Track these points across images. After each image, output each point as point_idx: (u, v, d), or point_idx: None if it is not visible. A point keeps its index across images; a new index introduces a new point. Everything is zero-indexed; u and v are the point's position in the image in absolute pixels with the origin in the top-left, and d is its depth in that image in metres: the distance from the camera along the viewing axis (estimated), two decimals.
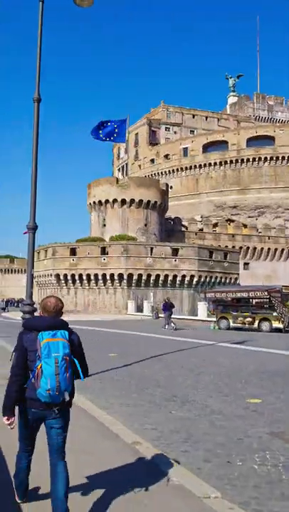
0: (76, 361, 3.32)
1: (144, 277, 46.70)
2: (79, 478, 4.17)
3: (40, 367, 3.12)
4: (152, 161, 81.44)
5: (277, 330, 24.30)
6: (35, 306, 10.27)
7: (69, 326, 3.41)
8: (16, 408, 3.37)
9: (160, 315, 38.84)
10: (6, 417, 3.34)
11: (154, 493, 3.92)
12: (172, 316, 26.42)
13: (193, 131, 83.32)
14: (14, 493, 3.63)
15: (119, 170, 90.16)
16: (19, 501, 3.60)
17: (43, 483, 3.78)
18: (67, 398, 3.25)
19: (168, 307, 26.38)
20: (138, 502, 3.74)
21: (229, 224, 67.28)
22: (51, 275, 49.49)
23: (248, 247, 64.77)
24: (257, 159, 71.68)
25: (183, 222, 65.37)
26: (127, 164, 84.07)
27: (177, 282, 47.71)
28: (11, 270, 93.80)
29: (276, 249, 65.55)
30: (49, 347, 3.17)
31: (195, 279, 48.13)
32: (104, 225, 53.95)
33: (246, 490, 4.26)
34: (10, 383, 3.33)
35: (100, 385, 9.27)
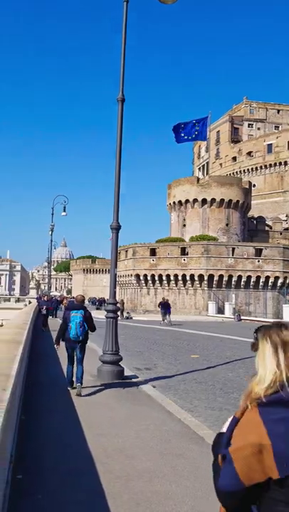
0: (88, 325, 7.99)
1: (225, 278, 45.69)
2: (169, 482, 4.02)
3: (70, 325, 7.78)
4: (234, 158, 79.44)
5: None
6: (118, 305, 10.46)
7: (85, 306, 8.22)
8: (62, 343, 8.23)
9: (242, 317, 37.87)
10: (56, 345, 8.36)
11: None
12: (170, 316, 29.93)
13: (277, 127, 79.88)
14: (67, 383, 8.30)
15: (199, 169, 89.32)
16: (69, 388, 8.10)
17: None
18: (81, 339, 7.82)
19: (164, 306, 29.96)
20: None
21: None
22: (131, 275, 50.27)
23: None
24: None
25: (267, 222, 63.02)
26: (207, 163, 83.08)
27: (260, 284, 46.09)
28: (93, 270, 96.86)
29: None
30: (74, 317, 7.81)
31: (280, 281, 46.20)
32: (184, 225, 53.66)
33: None
34: (58, 331, 8.21)
35: (183, 387, 9.10)
